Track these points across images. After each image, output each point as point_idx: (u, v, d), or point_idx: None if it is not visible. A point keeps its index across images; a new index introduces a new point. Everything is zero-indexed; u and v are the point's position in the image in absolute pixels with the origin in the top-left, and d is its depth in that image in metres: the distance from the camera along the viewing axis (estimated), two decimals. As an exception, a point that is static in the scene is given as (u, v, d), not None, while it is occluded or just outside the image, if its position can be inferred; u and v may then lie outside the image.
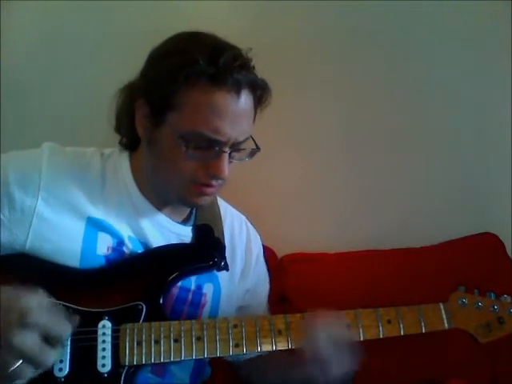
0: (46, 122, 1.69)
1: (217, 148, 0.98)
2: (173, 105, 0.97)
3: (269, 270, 1.32)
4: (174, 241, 1.12)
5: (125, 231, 1.07)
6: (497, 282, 1.46)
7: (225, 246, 1.15)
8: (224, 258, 1.11)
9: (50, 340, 0.83)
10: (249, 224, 1.30)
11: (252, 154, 1.06)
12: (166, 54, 1.01)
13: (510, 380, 1.44)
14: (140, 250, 1.08)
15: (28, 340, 0.80)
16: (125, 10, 1.71)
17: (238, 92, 0.97)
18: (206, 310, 1.14)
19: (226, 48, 0.98)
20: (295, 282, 1.60)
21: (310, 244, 1.71)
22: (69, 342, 0.94)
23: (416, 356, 1.45)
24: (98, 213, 1.05)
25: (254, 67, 1.02)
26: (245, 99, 0.98)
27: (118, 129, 1.12)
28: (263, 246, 1.33)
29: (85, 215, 1.04)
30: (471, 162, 1.81)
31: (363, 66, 1.77)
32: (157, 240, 1.09)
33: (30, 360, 0.80)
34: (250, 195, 1.67)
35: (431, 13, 1.75)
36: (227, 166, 1.00)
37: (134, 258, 1.07)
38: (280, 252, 1.69)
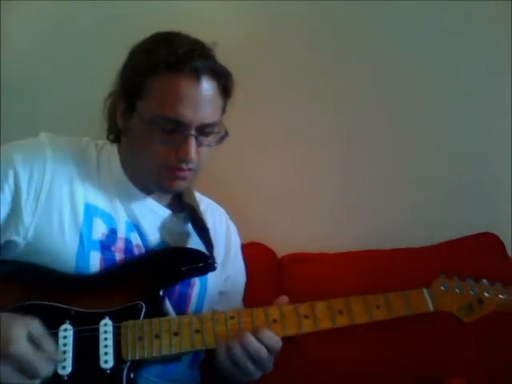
0: (45, 121, 1.67)
1: (185, 132, 1.03)
2: (140, 95, 1.05)
3: (245, 262, 1.36)
4: (159, 222, 1.17)
5: (122, 216, 1.13)
6: (497, 281, 1.46)
7: (208, 229, 1.19)
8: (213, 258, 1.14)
9: (26, 373, 0.86)
10: (227, 217, 1.35)
11: (221, 139, 1.11)
12: (135, 52, 1.09)
13: (508, 378, 1.44)
14: (133, 234, 1.13)
15: (2, 370, 0.83)
16: (125, 10, 1.71)
17: (197, 78, 1.03)
18: (196, 289, 1.17)
19: (186, 41, 1.05)
20: (295, 281, 1.60)
21: (309, 244, 1.71)
22: (71, 341, 0.95)
23: (415, 354, 1.45)
24: (95, 199, 1.11)
25: (214, 56, 1.08)
26: (205, 85, 1.04)
27: (110, 129, 1.18)
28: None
29: (83, 201, 1.09)
30: (471, 162, 1.81)
31: (363, 65, 1.78)
32: (146, 221, 1.15)
33: None
34: (250, 195, 1.68)
35: (431, 13, 1.76)
36: (194, 150, 1.04)
37: (133, 260, 1.11)
38: (280, 252, 1.70)
